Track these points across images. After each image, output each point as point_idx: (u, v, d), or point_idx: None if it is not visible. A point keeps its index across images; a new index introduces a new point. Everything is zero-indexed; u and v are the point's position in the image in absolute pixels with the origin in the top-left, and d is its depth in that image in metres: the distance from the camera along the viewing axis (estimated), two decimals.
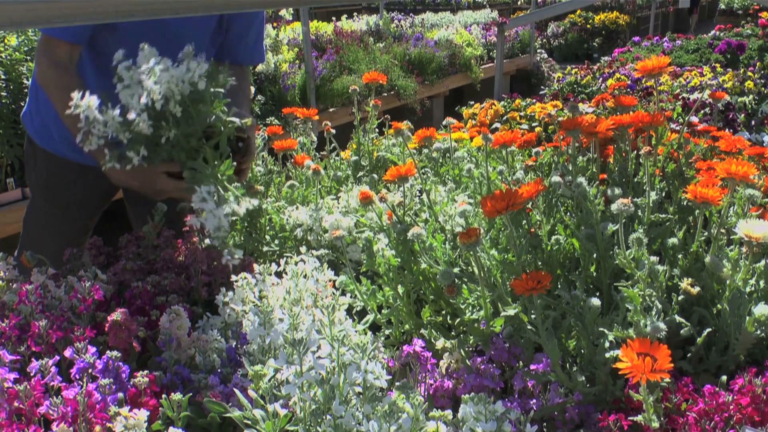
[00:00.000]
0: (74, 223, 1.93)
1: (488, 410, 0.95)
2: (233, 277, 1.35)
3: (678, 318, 1.28)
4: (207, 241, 1.68)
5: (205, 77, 1.28)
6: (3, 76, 3.33)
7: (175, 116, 1.27)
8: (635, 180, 1.60)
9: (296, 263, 1.36)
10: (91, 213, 1.96)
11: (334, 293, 1.28)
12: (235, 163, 1.37)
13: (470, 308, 1.40)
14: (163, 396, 1.03)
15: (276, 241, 1.82)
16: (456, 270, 1.42)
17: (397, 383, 1.00)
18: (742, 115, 3.68)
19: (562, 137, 1.84)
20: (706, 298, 1.36)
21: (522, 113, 3.73)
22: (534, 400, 1.22)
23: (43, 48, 1.55)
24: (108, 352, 1.12)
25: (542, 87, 6.80)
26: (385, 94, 5.86)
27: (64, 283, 1.36)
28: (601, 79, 5.10)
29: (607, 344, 1.22)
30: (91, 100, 1.23)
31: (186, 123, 1.29)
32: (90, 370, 1.10)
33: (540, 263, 1.47)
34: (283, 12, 6.46)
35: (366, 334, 1.28)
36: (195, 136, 1.30)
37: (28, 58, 3.45)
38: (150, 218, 1.64)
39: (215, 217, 1.23)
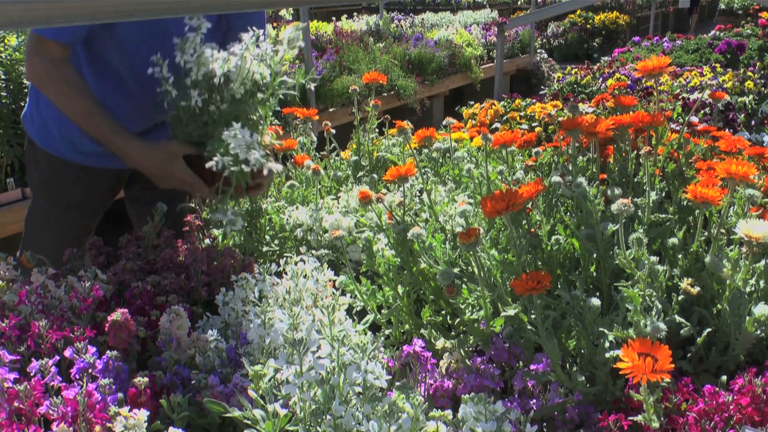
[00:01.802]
0: (75, 223, 1.93)
1: (488, 410, 0.95)
2: (233, 277, 1.36)
3: (678, 318, 1.28)
4: (207, 241, 1.69)
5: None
6: (3, 76, 3.33)
7: (233, 96, 1.38)
8: (635, 180, 1.60)
9: (296, 263, 1.36)
10: (92, 213, 1.96)
11: (334, 293, 1.28)
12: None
13: (470, 308, 1.40)
14: (163, 396, 1.03)
15: (276, 241, 1.82)
16: (456, 270, 1.42)
17: (397, 383, 1.00)
18: (742, 115, 3.68)
19: (562, 137, 1.84)
20: (706, 298, 1.36)
21: (522, 113, 3.73)
22: (534, 400, 1.22)
23: (34, 47, 1.54)
24: (108, 352, 1.12)
25: (542, 87, 6.80)
26: (385, 94, 5.87)
27: (64, 283, 1.36)
28: (601, 79, 5.10)
29: (607, 344, 1.22)
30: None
31: (236, 105, 1.40)
32: (90, 370, 1.10)
33: (540, 263, 1.47)
34: (283, 12, 6.45)
35: (366, 334, 1.28)
36: (237, 120, 1.40)
37: None
38: (150, 218, 1.64)
39: (242, 142, 1.33)
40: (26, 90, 3.38)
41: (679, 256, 1.41)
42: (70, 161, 1.80)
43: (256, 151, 1.37)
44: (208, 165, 1.37)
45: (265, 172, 1.43)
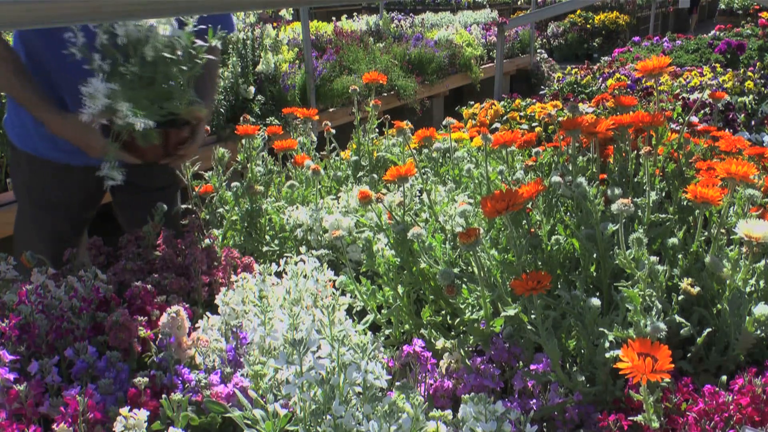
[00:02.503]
0: (62, 223, 1.91)
1: (488, 410, 0.95)
2: (233, 277, 1.36)
3: (678, 318, 1.28)
4: (207, 241, 1.69)
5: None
6: None
7: (144, 58, 1.41)
8: (635, 180, 1.60)
9: (296, 263, 1.36)
10: (78, 213, 1.95)
11: (334, 293, 1.28)
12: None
13: (470, 308, 1.40)
14: (163, 396, 1.03)
15: (276, 241, 1.82)
16: (456, 270, 1.42)
17: (397, 383, 1.00)
18: (742, 115, 3.68)
19: (562, 137, 1.84)
20: (706, 298, 1.35)
21: (522, 113, 3.73)
22: (534, 400, 1.22)
23: None
24: (108, 352, 1.12)
25: (542, 87, 6.80)
26: (385, 94, 5.86)
27: (64, 283, 1.36)
28: (601, 79, 5.10)
29: (607, 344, 1.22)
30: None
31: (148, 68, 1.42)
32: (90, 370, 1.10)
33: (540, 263, 1.46)
34: (283, 12, 6.46)
35: (366, 334, 1.28)
36: (151, 84, 1.43)
37: None
38: (139, 223, 1.65)
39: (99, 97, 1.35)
40: None
41: (679, 256, 1.41)
42: (51, 160, 1.81)
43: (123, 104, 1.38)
44: (81, 118, 1.40)
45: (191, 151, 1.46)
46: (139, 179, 1.95)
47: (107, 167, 1.45)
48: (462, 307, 1.40)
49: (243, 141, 1.98)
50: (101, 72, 1.42)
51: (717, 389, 1.11)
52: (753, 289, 1.29)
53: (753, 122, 3.79)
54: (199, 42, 1.51)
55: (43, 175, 1.85)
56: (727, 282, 1.28)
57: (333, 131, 2.26)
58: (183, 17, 1.51)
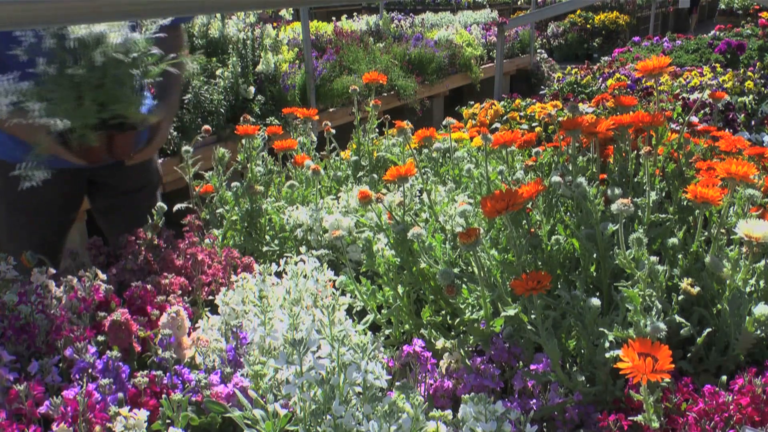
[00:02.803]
0: (41, 227, 1.90)
1: (488, 410, 0.96)
2: (233, 277, 1.36)
3: (678, 318, 1.28)
4: (207, 241, 1.69)
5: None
6: None
7: (92, 61, 1.38)
8: (635, 180, 1.60)
9: (296, 263, 1.36)
10: (58, 216, 1.94)
11: (334, 293, 1.28)
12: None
13: (470, 308, 1.40)
14: (163, 396, 1.03)
15: (276, 241, 1.82)
16: (456, 270, 1.42)
17: (397, 383, 1.00)
18: (742, 115, 3.68)
19: (562, 137, 1.84)
20: (706, 298, 1.35)
21: (522, 113, 3.73)
22: (534, 400, 1.22)
23: None
24: (108, 352, 1.12)
25: (542, 87, 6.80)
26: (385, 94, 5.86)
27: (64, 283, 1.36)
28: (601, 79, 5.10)
29: (607, 344, 1.22)
30: None
31: (96, 72, 1.40)
32: (90, 370, 1.10)
33: (540, 263, 1.46)
34: (283, 12, 6.46)
35: (366, 334, 1.28)
36: (101, 87, 1.42)
37: None
38: (120, 225, 1.65)
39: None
40: None
41: (679, 256, 1.41)
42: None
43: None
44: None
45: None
46: (114, 181, 1.94)
47: (27, 167, 1.43)
48: (462, 307, 1.40)
49: (243, 141, 1.98)
50: (46, 72, 1.40)
51: (717, 389, 1.11)
52: (753, 289, 1.29)
53: (753, 122, 3.79)
54: (155, 50, 1.49)
55: (18, 179, 1.84)
56: (727, 282, 1.28)
57: (333, 131, 2.26)
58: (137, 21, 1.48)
